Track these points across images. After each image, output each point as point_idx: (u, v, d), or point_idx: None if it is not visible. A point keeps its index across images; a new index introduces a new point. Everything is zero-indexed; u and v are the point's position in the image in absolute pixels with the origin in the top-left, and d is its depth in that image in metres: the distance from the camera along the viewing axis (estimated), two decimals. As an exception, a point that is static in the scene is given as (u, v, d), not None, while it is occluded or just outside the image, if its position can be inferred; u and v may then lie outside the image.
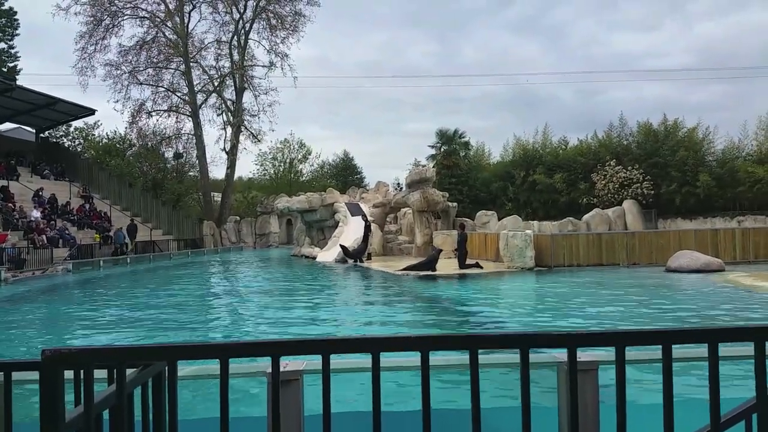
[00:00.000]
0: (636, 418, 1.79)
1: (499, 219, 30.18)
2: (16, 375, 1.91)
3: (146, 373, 1.83)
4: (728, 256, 18.10)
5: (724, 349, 1.87)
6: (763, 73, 77.67)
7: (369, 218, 26.50)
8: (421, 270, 17.71)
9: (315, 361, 1.86)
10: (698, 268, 15.67)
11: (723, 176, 33.30)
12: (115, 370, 1.71)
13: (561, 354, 2.19)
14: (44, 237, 23.13)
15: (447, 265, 18.77)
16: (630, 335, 1.74)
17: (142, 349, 1.67)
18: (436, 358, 1.84)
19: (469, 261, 18.33)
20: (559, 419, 2.48)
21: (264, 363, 2.27)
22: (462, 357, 1.72)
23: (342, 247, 23.51)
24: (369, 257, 23.42)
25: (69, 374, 1.61)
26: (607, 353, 1.85)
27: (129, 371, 1.67)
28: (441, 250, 19.46)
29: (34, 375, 1.73)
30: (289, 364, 2.43)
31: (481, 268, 17.98)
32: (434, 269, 17.66)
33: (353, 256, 22.78)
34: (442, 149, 44.09)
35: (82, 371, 1.65)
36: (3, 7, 41.89)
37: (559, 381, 2.54)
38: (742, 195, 32.55)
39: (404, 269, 18.14)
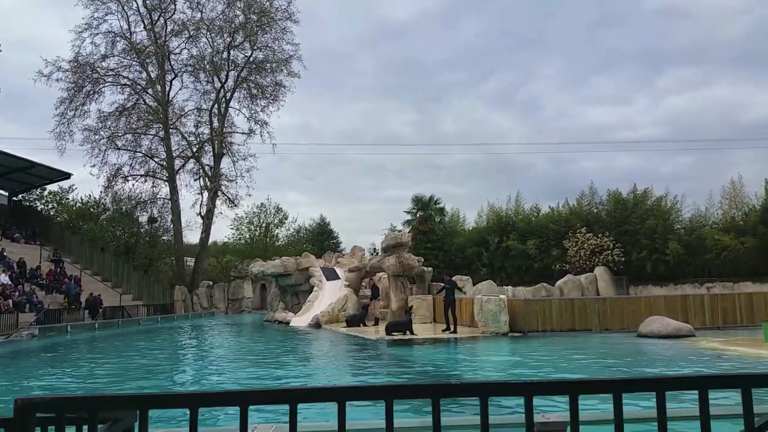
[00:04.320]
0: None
1: (474, 284, 30.29)
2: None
3: (116, 429, 1.87)
4: (698, 321, 18.39)
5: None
6: (726, 145, 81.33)
7: (373, 282, 27.06)
8: (401, 329, 17.86)
9: (284, 425, 1.88)
10: (669, 334, 15.86)
11: (691, 244, 34.14)
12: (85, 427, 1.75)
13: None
14: (10, 301, 22.48)
15: (423, 330, 18.76)
16: (584, 384, 1.86)
17: (116, 398, 1.72)
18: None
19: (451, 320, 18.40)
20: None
21: (233, 427, 2.19)
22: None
23: (347, 320, 23.24)
24: (376, 322, 23.25)
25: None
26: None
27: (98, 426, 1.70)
28: (412, 308, 20.65)
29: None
30: (258, 427, 2.42)
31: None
32: (412, 331, 17.66)
33: (355, 323, 22.56)
34: (417, 215, 44.65)
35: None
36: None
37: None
38: (710, 262, 33.34)
39: (386, 330, 18.07)
